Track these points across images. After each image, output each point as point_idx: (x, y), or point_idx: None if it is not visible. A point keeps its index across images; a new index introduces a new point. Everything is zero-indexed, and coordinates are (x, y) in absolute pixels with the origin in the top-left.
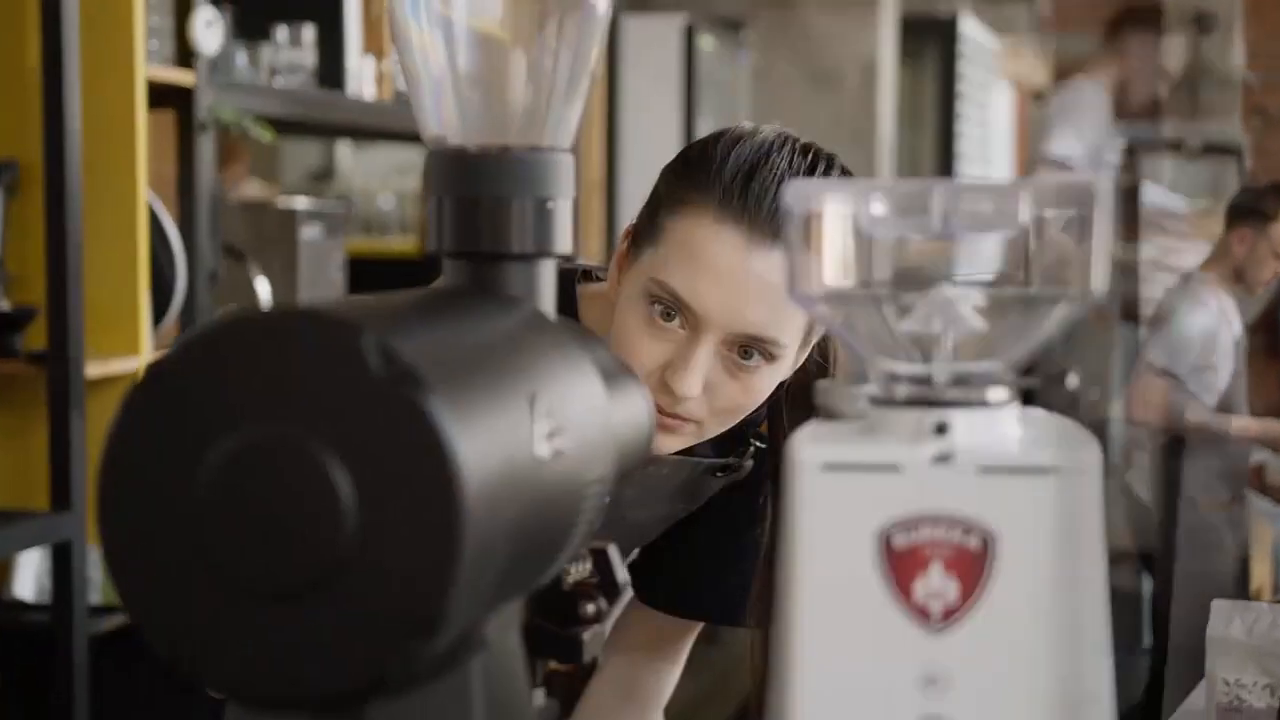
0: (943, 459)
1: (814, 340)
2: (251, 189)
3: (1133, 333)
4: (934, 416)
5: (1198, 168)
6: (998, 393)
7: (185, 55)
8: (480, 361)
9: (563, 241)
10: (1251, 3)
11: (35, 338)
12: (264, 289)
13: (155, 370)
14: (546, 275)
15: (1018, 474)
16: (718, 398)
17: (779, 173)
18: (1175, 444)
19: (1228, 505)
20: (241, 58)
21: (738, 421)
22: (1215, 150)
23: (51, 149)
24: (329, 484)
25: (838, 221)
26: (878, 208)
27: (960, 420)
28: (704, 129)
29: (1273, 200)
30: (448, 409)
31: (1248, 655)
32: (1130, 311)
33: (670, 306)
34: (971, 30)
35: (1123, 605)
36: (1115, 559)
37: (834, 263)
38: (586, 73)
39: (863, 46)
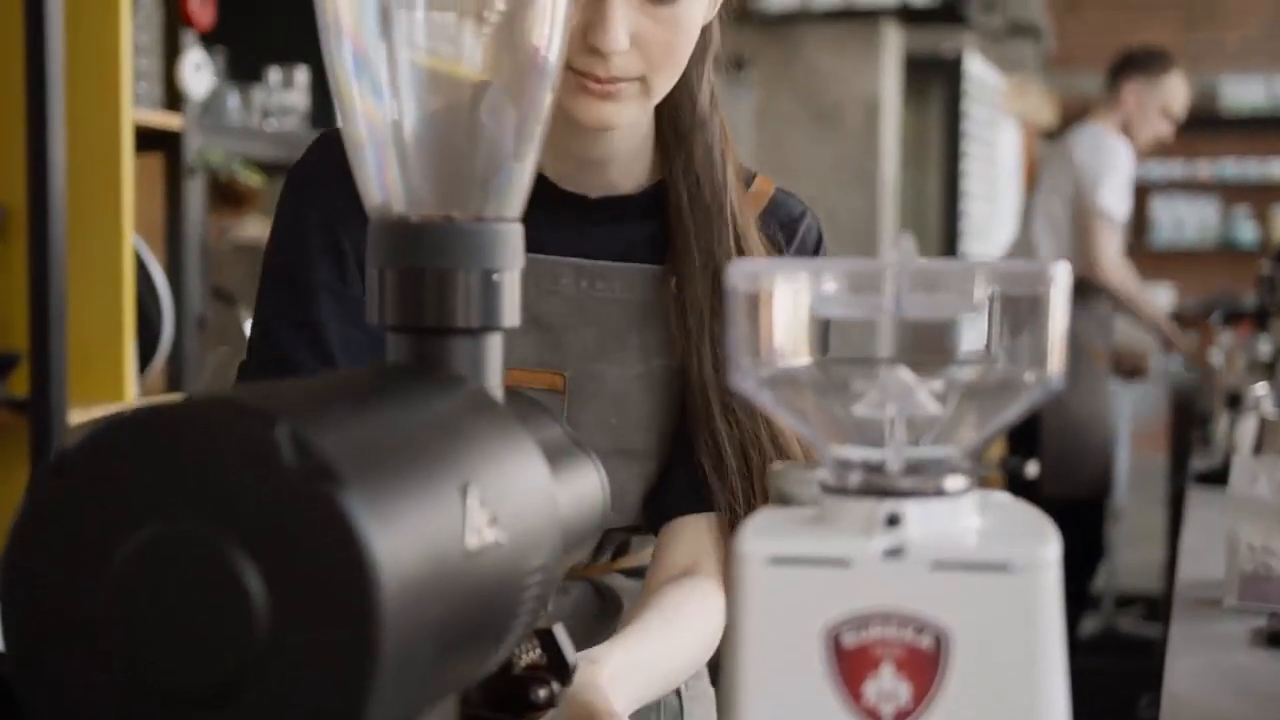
0: (894, 553)
1: None
2: (254, 227)
3: None
4: (886, 507)
5: (1000, 46)
6: (954, 481)
7: (174, 99)
8: (408, 450)
9: (510, 315)
10: None
11: (18, 384)
12: None
13: (62, 460)
14: (493, 350)
15: (973, 570)
16: (649, 45)
17: None
18: (1076, 289)
19: (1106, 359)
20: (234, 100)
21: (682, 67)
22: (1018, 30)
23: (36, 193)
24: (239, 583)
25: (786, 301)
26: (828, 287)
27: (914, 511)
28: None
29: (1161, 58)
30: (365, 503)
31: (1275, 516)
32: None
33: None
34: (977, 68)
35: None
36: None
37: (782, 344)
38: (534, 140)
39: (866, 85)
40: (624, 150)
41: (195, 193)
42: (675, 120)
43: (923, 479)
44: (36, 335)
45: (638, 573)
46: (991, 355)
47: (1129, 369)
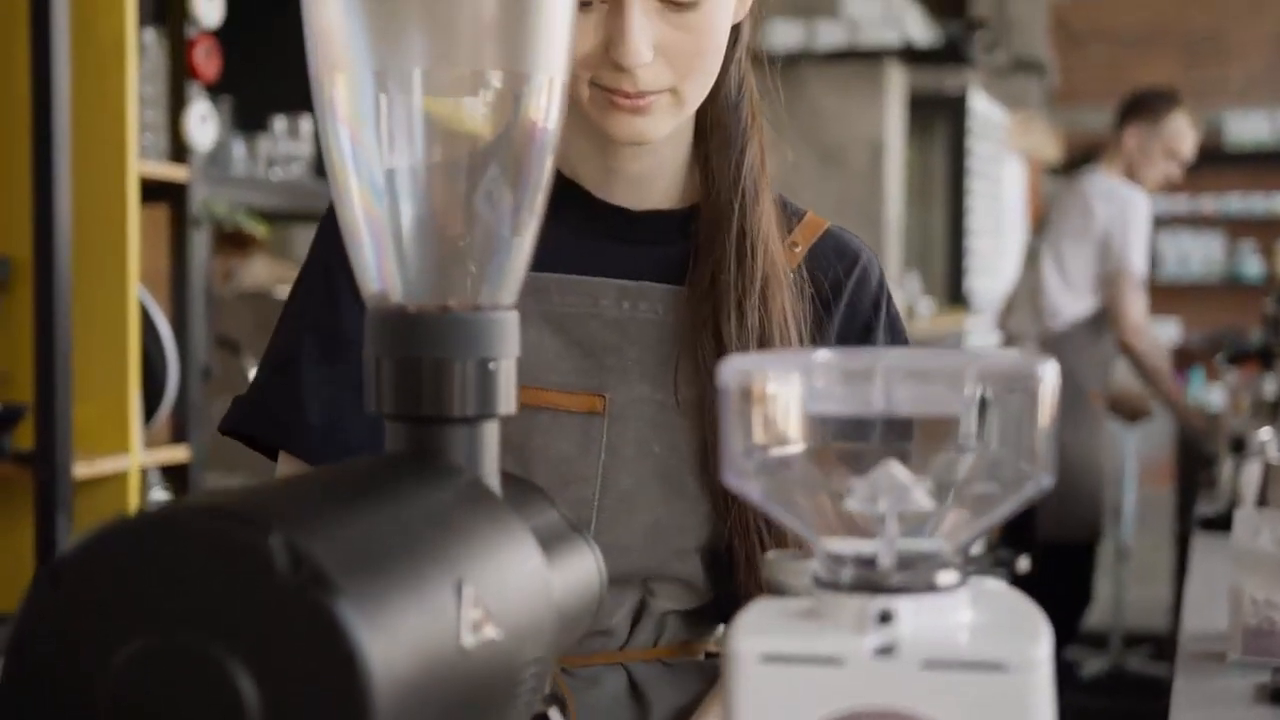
0: (886, 651)
1: None
2: (261, 268)
3: None
4: (878, 604)
5: (1005, 82)
6: (946, 576)
7: (180, 150)
8: (403, 550)
9: (506, 403)
10: None
11: (23, 436)
12: None
13: (58, 569)
14: (489, 437)
15: (965, 670)
16: (674, 54)
17: None
18: (1065, 334)
19: (1104, 402)
20: (239, 149)
21: (714, 73)
22: (1022, 66)
23: (42, 245)
24: (235, 693)
25: (777, 397)
26: (819, 383)
27: (906, 608)
28: None
29: (1164, 101)
30: (360, 612)
31: (1278, 567)
32: None
33: None
34: (981, 105)
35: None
36: None
37: (772, 439)
38: (534, 212)
39: (870, 125)
40: (665, 164)
41: (200, 244)
42: (710, 134)
43: (914, 574)
44: (42, 388)
45: (682, 665)
46: (982, 452)
47: (1130, 412)
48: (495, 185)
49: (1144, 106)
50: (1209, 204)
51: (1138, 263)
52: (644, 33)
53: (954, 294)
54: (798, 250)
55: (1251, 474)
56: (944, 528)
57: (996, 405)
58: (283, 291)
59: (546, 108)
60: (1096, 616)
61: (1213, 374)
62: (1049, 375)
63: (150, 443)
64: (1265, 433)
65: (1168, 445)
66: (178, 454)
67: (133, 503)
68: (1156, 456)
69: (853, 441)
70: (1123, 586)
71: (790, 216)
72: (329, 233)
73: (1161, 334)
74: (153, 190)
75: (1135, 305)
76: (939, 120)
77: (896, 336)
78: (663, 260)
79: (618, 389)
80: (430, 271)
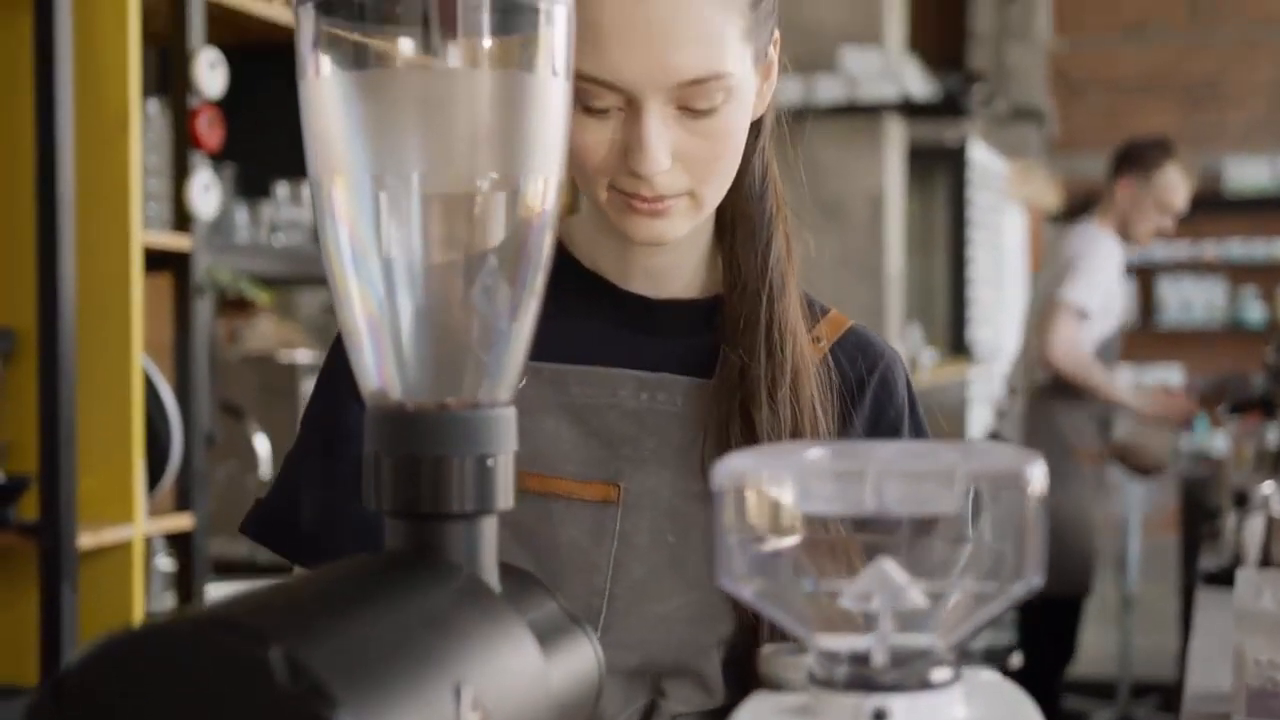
0: None
1: (769, 49)
2: (266, 329)
3: None
4: (872, 702)
5: (1004, 131)
6: (940, 673)
7: (183, 218)
8: (401, 656)
9: (504, 498)
10: None
11: (28, 507)
12: (263, 446)
13: (61, 682)
14: (488, 532)
15: None
16: (693, 159)
17: None
18: (1052, 388)
19: (1099, 458)
20: (242, 215)
21: (733, 173)
22: (1021, 114)
23: (46, 317)
24: None
25: (770, 497)
26: (811, 483)
27: (900, 705)
28: None
29: (1156, 152)
30: None
31: None
32: None
33: (595, 94)
34: (980, 155)
35: None
36: None
37: (766, 538)
38: (528, 323)
39: (869, 179)
40: (685, 256)
41: (204, 312)
42: (735, 226)
43: (908, 671)
44: (46, 459)
45: None
46: (974, 550)
47: (1142, 467)
48: (492, 283)
49: (1135, 158)
50: (1210, 250)
51: (1072, 293)
52: (661, 140)
53: (956, 344)
54: (821, 345)
55: (1254, 528)
56: (938, 624)
57: (987, 504)
58: (287, 355)
59: (542, 207)
60: (1104, 666)
61: (1217, 420)
62: (1037, 475)
63: (154, 510)
64: (1268, 486)
65: (1172, 493)
66: (181, 521)
67: (137, 572)
68: (1161, 504)
69: (846, 538)
70: (1129, 636)
71: (815, 312)
72: (339, 337)
73: (1164, 379)
74: (156, 259)
75: (1061, 330)
76: (939, 171)
77: (900, 428)
78: (683, 351)
79: (633, 478)
80: (428, 369)
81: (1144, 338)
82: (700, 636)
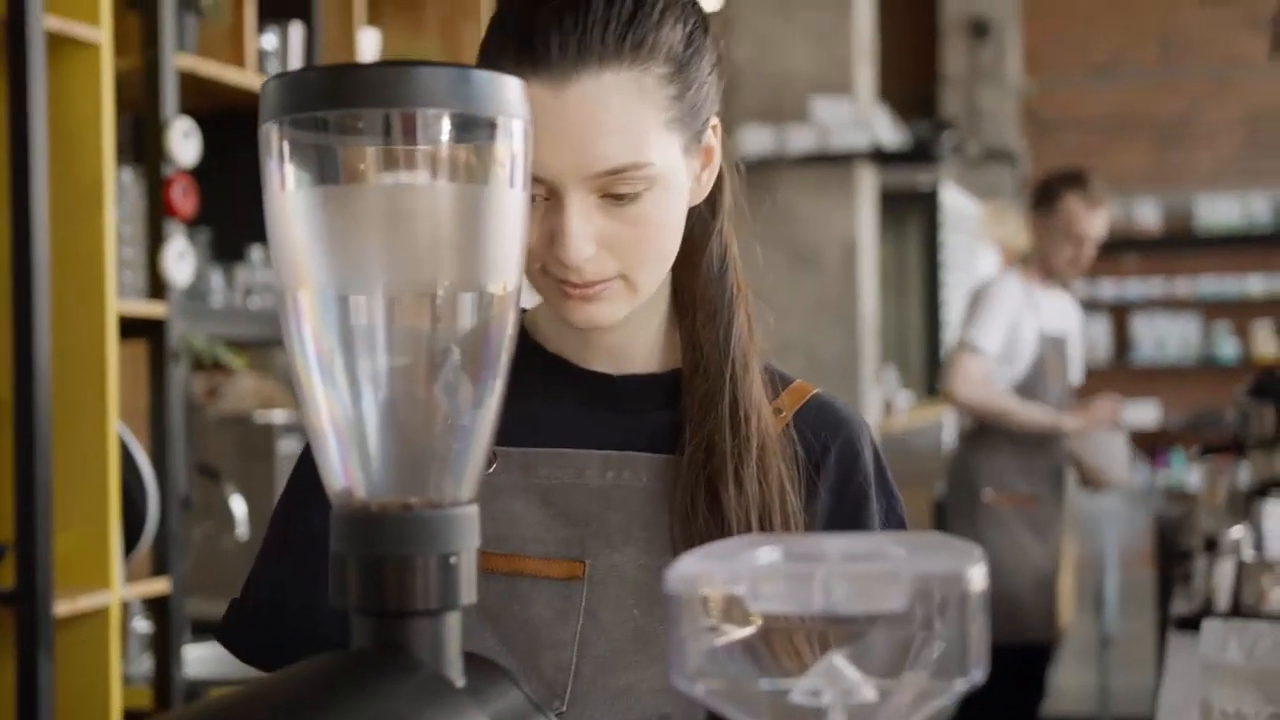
0: None
1: (706, 136)
2: (245, 386)
3: None
4: None
5: (977, 172)
6: None
7: (158, 286)
8: None
9: (468, 593)
10: (1029, 10)
11: (4, 575)
12: (240, 507)
13: None
14: (452, 628)
15: None
16: (619, 245)
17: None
18: (972, 435)
19: (1025, 502)
20: (217, 279)
21: (669, 257)
22: (994, 156)
23: (22, 385)
24: None
25: (721, 599)
26: (762, 587)
27: None
28: None
29: (1057, 185)
30: None
31: (1249, 681)
32: None
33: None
34: (952, 199)
35: None
36: None
37: (717, 638)
38: (489, 422)
39: (842, 226)
40: (640, 332)
41: (179, 378)
42: (696, 307)
43: None
44: (23, 527)
45: None
46: (919, 647)
47: (1099, 483)
48: (454, 381)
49: (1039, 195)
50: (1183, 287)
51: (973, 334)
52: (583, 229)
53: (932, 386)
54: (782, 415)
55: (1224, 573)
56: (888, 717)
57: (931, 602)
58: (263, 415)
59: (503, 310)
60: (1082, 705)
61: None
62: (977, 575)
63: (131, 575)
64: (1237, 531)
65: (1148, 528)
66: (158, 586)
67: (114, 638)
68: (1138, 540)
69: (798, 636)
70: (1107, 674)
71: (777, 382)
72: (307, 447)
73: (1140, 416)
74: (132, 326)
75: (960, 370)
76: (911, 215)
77: (892, 510)
78: (647, 427)
79: (599, 555)
80: (392, 471)
81: (1119, 375)
82: (663, 707)
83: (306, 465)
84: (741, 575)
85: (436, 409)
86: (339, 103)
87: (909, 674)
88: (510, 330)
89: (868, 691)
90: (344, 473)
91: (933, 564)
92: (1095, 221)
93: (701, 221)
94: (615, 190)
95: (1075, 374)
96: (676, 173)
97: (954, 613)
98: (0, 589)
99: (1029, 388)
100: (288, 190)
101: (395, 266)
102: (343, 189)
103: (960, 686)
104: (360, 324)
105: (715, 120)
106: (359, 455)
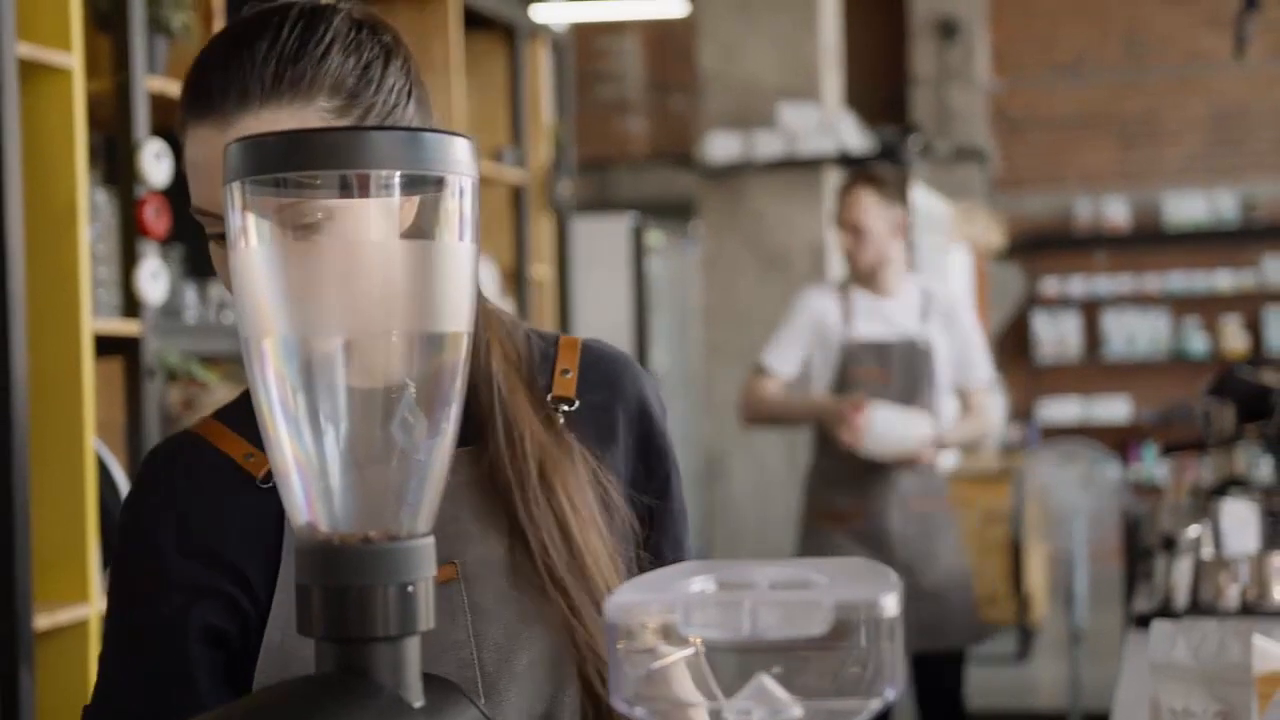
0: None
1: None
2: (221, 396)
3: None
4: None
5: (947, 172)
6: None
7: (132, 305)
8: None
9: (426, 619)
10: (997, 11)
11: None
12: None
13: None
14: (411, 652)
15: None
16: None
17: (230, 39)
18: (810, 464)
19: (843, 519)
20: (191, 295)
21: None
22: (964, 155)
23: None
24: None
25: (655, 627)
26: (694, 615)
27: None
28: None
29: (851, 176)
30: None
31: (1196, 680)
32: None
33: (214, 226)
34: (923, 199)
35: None
36: None
37: (653, 663)
38: (442, 457)
39: (810, 230)
40: None
41: (154, 394)
42: None
43: None
44: (1, 542)
45: None
46: (840, 668)
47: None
48: (409, 426)
49: (845, 189)
50: (1152, 283)
51: (767, 358)
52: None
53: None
54: (569, 375)
55: (1182, 571)
56: None
57: (850, 627)
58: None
59: (455, 353)
60: (1054, 699)
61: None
62: (891, 603)
63: (107, 590)
64: (1194, 530)
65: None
66: None
67: (93, 652)
68: (1109, 536)
69: (726, 658)
70: (1078, 667)
71: (547, 346)
72: (131, 499)
73: (1112, 411)
74: (106, 344)
75: (748, 393)
76: None
77: (662, 442)
78: None
79: (466, 552)
80: (353, 505)
81: (1090, 370)
82: (566, 668)
83: (136, 536)
84: (675, 604)
85: (393, 446)
86: (297, 165)
87: (833, 692)
88: (462, 370)
89: (794, 711)
90: (307, 508)
91: (852, 591)
92: (874, 214)
93: None
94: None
95: (937, 377)
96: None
97: (871, 636)
98: None
99: (864, 387)
100: (250, 245)
101: (352, 316)
102: (301, 244)
103: (875, 705)
104: (320, 369)
105: None
106: (321, 491)
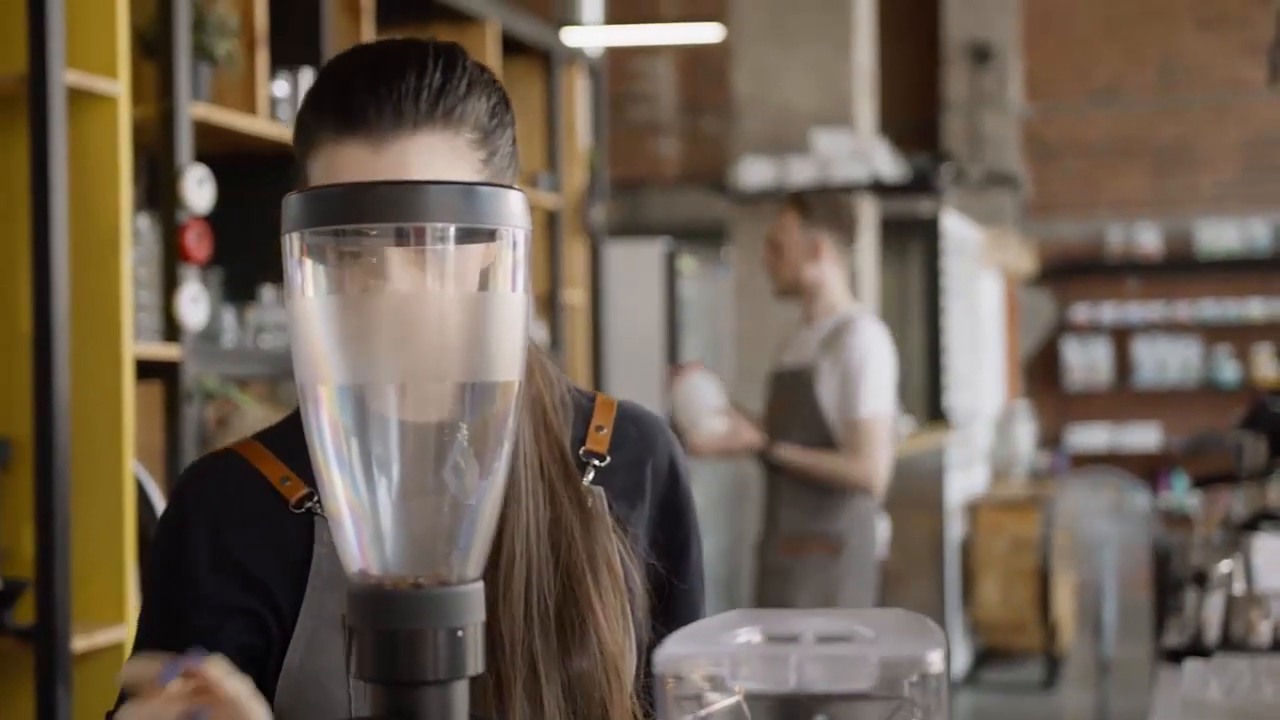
0: None
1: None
2: (255, 414)
3: None
4: None
5: (979, 197)
6: None
7: (172, 329)
8: None
9: (475, 664)
10: (1030, 36)
11: (23, 612)
12: None
13: None
14: (460, 696)
15: None
16: None
17: (374, 62)
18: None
19: (793, 550)
20: (230, 319)
21: None
22: (996, 180)
23: (42, 427)
24: None
25: (704, 678)
26: (741, 669)
27: None
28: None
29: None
30: None
31: (1228, 717)
32: None
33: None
34: (954, 225)
35: None
36: None
37: (703, 712)
38: (493, 504)
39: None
40: None
41: (192, 418)
42: None
43: None
44: (42, 564)
45: None
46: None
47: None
48: (461, 471)
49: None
50: (1184, 311)
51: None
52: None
53: (934, 411)
54: (604, 432)
55: (1214, 607)
56: None
57: (897, 681)
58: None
59: (506, 400)
60: None
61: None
62: (937, 659)
63: None
64: (1226, 565)
65: (1146, 553)
66: None
67: None
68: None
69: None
70: (1106, 697)
71: (583, 404)
72: (174, 498)
73: (1142, 439)
74: (147, 368)
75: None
76: (913, 242)
77: (685, 508)
78: None
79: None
80: (404, 550)
81: (1121, 398)
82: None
83: (175, 534)
84: (722, 657)
85: (445, 492)
86: (356, 217)
87: None
88: (514, 416)
89: None
90: (360, 554)
91: (898, 647)
92: (792, 233)
93: None
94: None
95: (863, 402)
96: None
97: (918, 691)
98: (20, 625)
99: (769, 431)
100: (307, 295)
101: (406, 364)
102: (358, 295)
103: None
104: (374, 416)
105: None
106: (373, 536)
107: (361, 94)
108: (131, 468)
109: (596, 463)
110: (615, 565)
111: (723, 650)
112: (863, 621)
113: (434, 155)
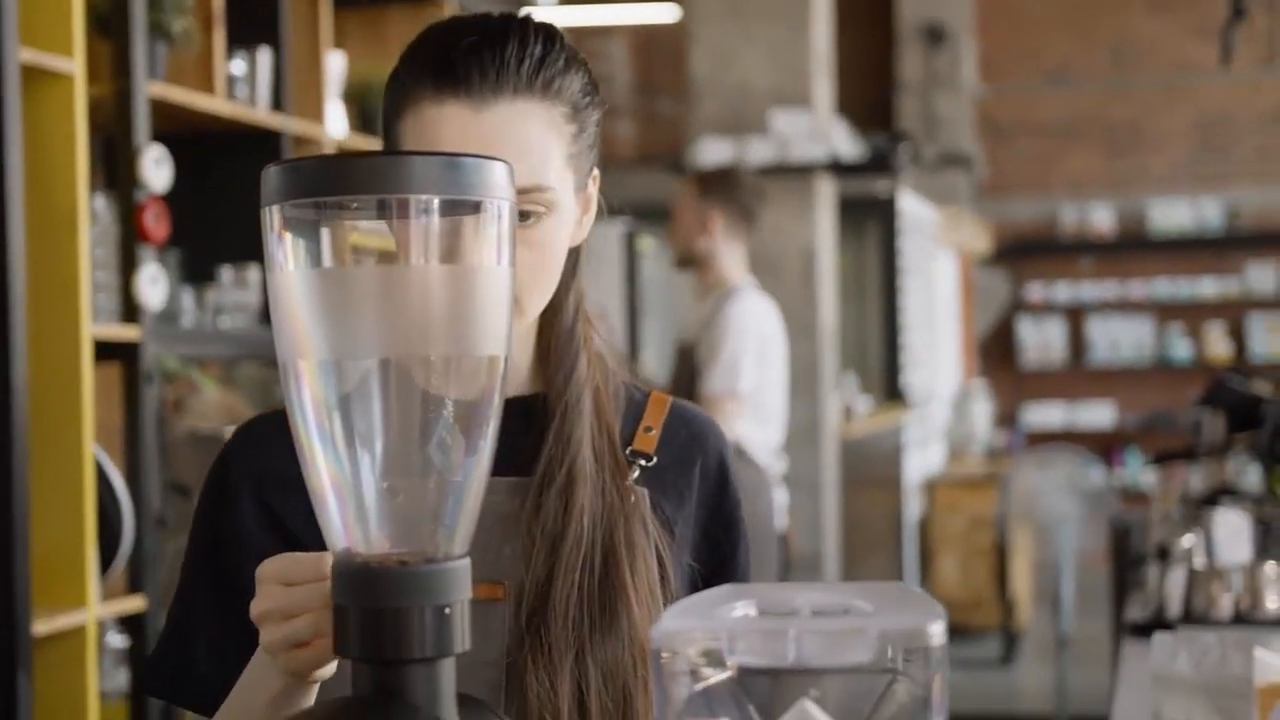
0: None
1: (589, 184)
2: (211, 397)
3: None
4: None
5: (934, 177)
6: None
7: (131, 310)
8: None
9: (462, 641)
10: (984, 18)
11: None
12: None
13: None
14: (446, 674)
15: None
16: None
17: (477, 28)
18: None
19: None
20: (189, 300)
21: (552, 287)
22: (951, 161)
23: None
24: None
25: (700, 653)
26: (739, 642)
27: None
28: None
29: None
30: None
31: (1197, 691)
32: None
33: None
34: (910, 205)
35: None
36: None
37: (697, 687)
38: (478, 481)
39: (802, 236)
40: (516, 359)
41: (152, 400)
42: (546, 338)
43: None
44: (1, 548)
45: None
46: (887, 694)
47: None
48: (446, 447)
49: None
50: (1137, 290)
51: None
52: None
53: (891, 390)
54: (652, 433)
55: (1176, 581)
56: None
57: (896, 657)
58: (229, 431)
59: (492, 375)
60: (1041, 703)
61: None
62: (937, 631)
63: (107, 594)
64: (1188, 539)
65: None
66: (134, 603)
67: (91, 656)
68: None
69: (771, 684)
70: (1065, 673)
71: (636, 399)
72: (216, 465)
73: (1096, 417)
74: (105, 349)
75: None
76: (869, 221)
77: (735, 511)
78: (509, 452)
79: (516, 575)
80: (389, 528)
81: (1075, 376)
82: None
83: (215, 488)
84: (719, 631)
85: (430, 469)
86: (336, 189)
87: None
88: (499, 391)
89: None
90: (345, 533)
91: (897, 620)
92: (686, 206)
93: (567, 269)
94: (520, 209)
95: (712, 378)
96: (569, 208)
97: (917, 664)
98: None
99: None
100: (288, 268)
101: (389, 339)
102: (339, 268)
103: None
104: (356, 391)
105: (596, 172)
106: (358, 513)
107: (466, 56)
108: (92, 450)
109: (643, 463)
110: (650, 561)
111: (720, 624)
112: (860, 594)
113: (531, 122)
